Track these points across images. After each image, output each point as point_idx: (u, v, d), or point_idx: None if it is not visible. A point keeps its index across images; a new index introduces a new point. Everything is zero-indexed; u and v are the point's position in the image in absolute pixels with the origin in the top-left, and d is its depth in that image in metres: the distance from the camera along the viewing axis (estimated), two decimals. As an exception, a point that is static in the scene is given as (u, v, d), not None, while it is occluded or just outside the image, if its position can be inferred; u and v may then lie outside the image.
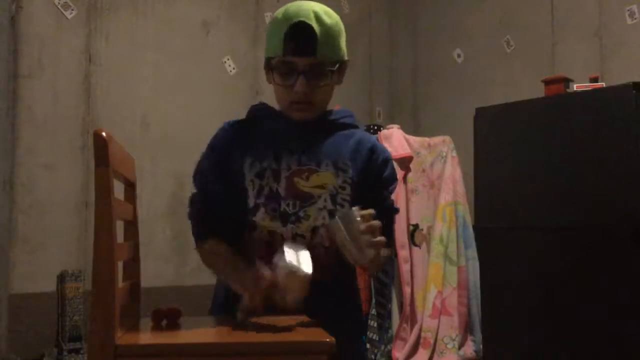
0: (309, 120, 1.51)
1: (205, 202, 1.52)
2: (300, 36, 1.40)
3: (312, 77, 1.44)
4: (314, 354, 1.10)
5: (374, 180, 1.52)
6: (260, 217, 1.45)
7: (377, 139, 4.05)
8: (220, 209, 1.49)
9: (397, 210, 1.60)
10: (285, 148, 1.48)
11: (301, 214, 1.43)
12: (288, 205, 1.44)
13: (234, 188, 1.48)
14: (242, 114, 1.61)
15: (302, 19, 1.41)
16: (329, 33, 1.43)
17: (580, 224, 3.07)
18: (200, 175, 1.54)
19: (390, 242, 1.59)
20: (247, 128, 1.55)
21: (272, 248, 1.41)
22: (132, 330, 1.23)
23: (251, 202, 1.45)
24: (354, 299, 1.61)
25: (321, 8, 1.45)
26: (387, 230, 1.53)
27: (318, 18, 1.42)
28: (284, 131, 1.51)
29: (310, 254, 1.31)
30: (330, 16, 1.45)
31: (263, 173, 1.46)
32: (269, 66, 1.49)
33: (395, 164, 4.50)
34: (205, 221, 1.52)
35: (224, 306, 1.48)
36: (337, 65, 1.48)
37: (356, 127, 1.58)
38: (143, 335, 1.22)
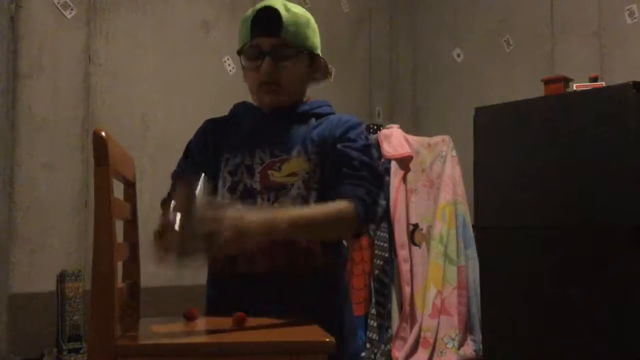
0: (282, 112, 1.51)
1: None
2: (265, 19, 1.46)
3: (278, 57, 1.46)
4: (314, 354, 1.10)
5: (334, 142, 1.46)
6: None
7: (377, 139, 4.07)
8: None
9: (366, 162, 1.44)
10: (258, 142, 1.49)
11: (277, 205, 1.42)
12: (264, 199, 1.44)
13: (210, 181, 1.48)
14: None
15: (268, 4, 1.47)
16: (296, 19, 1.47)
17: (580, 223, 3.07)
18: (176, 171, 1.59)
19: (372, 198, 1.44)
20: (225, 124, 1.58)
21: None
22: (132, 330, 1.23)
23: (226, 199, 1.44)
24: (335, 297, 1.50)
25: (291, 3, 1.49)
26: (359, 183, 1.41)
27: (285, 5, 1.47)
28: (259, 125, 1.52)
29: (287, 245, 1.35)
30: (298, 8, 1.50)
31: (237, 170, 1.47)
32: (239, 54, 1.53)
33: (395, 164, 4.49)
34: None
35: (217, 307, 1.49)
36: (304, 52, 1.49)
37: (332, 114, 1.57)
38: (143, 335, 1.22)
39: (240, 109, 1.60)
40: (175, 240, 1.13)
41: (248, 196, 1.44)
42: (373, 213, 1.45)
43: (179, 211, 1.14)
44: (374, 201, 1.44)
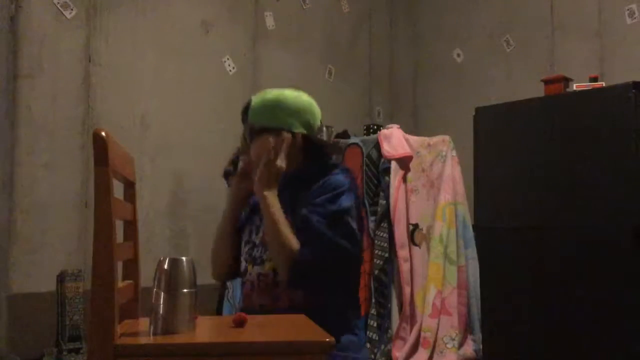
0: (285, 179, 1.68)
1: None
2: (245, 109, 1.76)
3: (249, 139, 1.73)
4: (314, 353, 1.10)
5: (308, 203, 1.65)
6: (245, 263, 1.77)
7: (377, 139, 4.06)
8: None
9: (313, 227, 1.60)
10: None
11: (264, 256, 1.70)
12: (258, 251, 1.73)
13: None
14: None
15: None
16: (264, 104, 1.70)
17: (580, 224, 3.07)
18: None
19: (317, 259, 1.59)
20: None
21: (253, 286, 1.71)
22: (132, 330, 1.23)
23: (243, 251, 1.79)
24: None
25: (283, 90, 1.72)
26: (307, 232, 1.61)
27: (266, 95, 1.71)
28: None
29: (274, 290, 1.64)
30: (281, 94, 1.71)
31: (251, 228, 1.78)
32: None
33: (395, 164, 4.48)
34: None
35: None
36: (267, 131, 1.67)
37: (329, 174, 1.71)
38: (142, 335, 1.22)
39: None
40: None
41: (251, 248, 1.75)
42: (306, 271, 1.58)
43: (164, 291, 1.19)
44: (315, 264, 1.57)
